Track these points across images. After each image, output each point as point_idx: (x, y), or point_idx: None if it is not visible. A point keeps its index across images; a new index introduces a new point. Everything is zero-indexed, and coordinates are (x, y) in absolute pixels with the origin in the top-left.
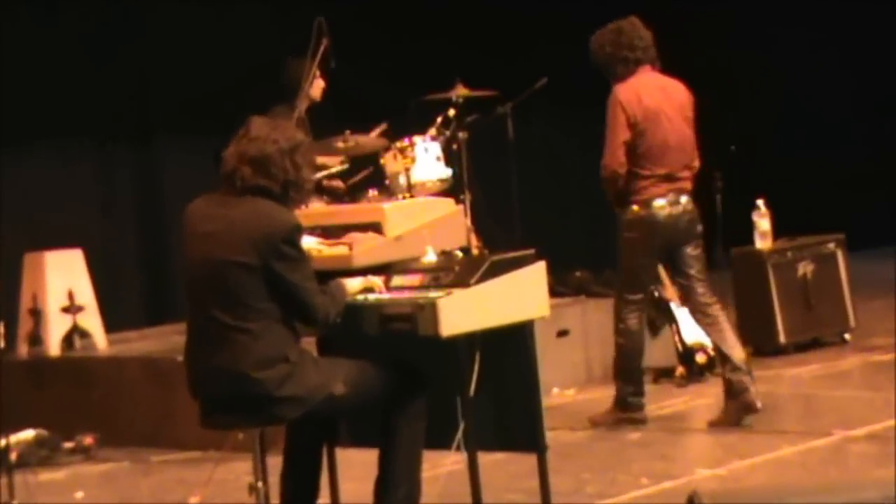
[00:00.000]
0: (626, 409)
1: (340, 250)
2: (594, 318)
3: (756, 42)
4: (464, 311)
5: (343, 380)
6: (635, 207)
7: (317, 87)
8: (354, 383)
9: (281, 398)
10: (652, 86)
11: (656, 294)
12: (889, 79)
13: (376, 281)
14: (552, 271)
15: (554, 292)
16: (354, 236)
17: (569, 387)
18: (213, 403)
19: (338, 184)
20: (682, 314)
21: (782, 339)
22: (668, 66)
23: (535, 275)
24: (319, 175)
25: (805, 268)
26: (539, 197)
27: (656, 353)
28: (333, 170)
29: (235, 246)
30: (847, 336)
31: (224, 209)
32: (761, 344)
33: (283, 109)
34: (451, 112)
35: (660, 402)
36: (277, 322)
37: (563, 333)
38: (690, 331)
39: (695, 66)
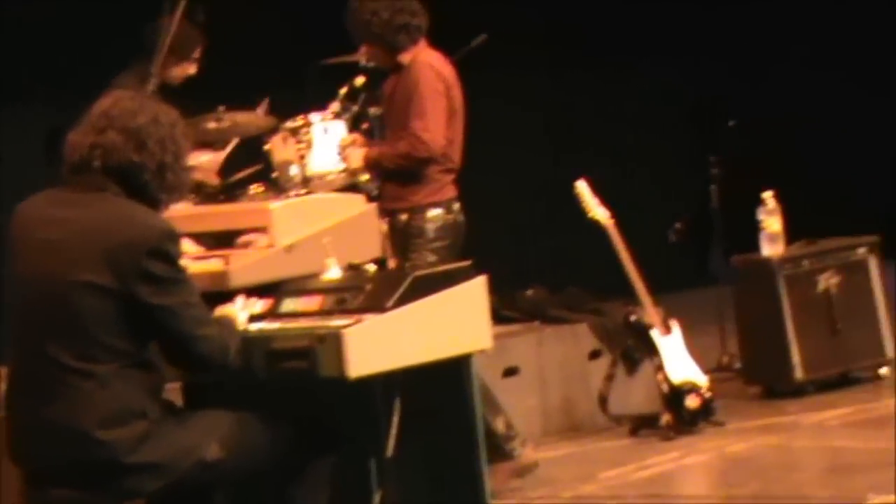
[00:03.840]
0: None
1: (212, 265)
2: (553, 352)
3: None
4: (378, 345)
5: (219, 440)
6: (440, 211)
7: (178, 71)
8: (234, 444)
9: (136, 466)
10: (445, 64)
11: (633, 318)
12: None
13: (256, 305)
14: (496, 290)
15: (499, 318)
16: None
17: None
18: (43, 472)
19: (209, 177)
20: (667, 344)
21: (800, 374)
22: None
23: (474, 295)
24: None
25: (828, 281)
26: (478, 192)
27: (635, 395)
28: (203, 158)
29: (84, 259)
30: (883, 371)
31: (70, 210)
32: (773, 381)
33: (130, 79)
34: (360, 80)
35: (641, 459)
36: (135, 364)
37: (511, 372)
38: (679, 366)
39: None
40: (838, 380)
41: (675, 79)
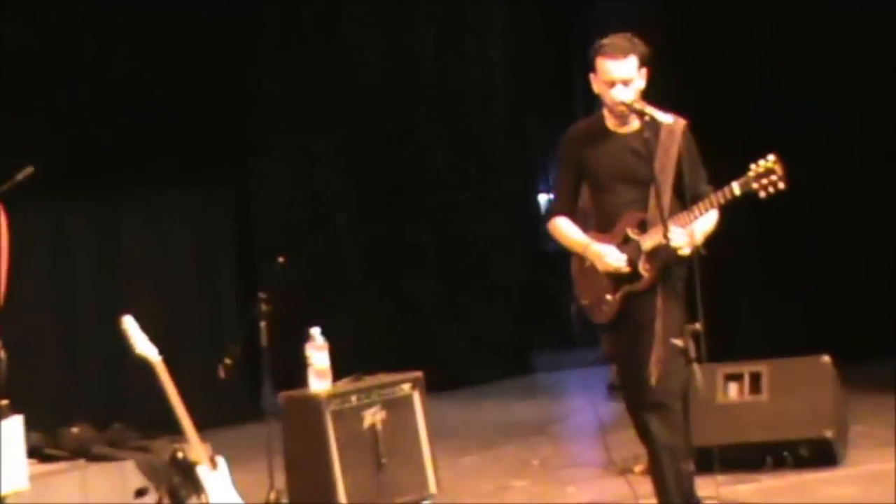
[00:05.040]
0: None
1: None
2: (98, 490)
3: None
4: None
5: None
6: None
7: None
8: None
9: None
10: None
11: (179, 455)
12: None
13: None
14: (40, 427)
15: (42, 456)
16: None
17: None
18: None
19: None
20: (213, 481)
21: None
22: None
23: (8, 434)
24: None
25: (374, 416)
26: (20, 329)
27: None
28: None
29: None
30: None
31: None
32: None
33: None
34: None
35: None
36: None
37: None
38: (224, 502)
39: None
40: None
41: (216, 212)
